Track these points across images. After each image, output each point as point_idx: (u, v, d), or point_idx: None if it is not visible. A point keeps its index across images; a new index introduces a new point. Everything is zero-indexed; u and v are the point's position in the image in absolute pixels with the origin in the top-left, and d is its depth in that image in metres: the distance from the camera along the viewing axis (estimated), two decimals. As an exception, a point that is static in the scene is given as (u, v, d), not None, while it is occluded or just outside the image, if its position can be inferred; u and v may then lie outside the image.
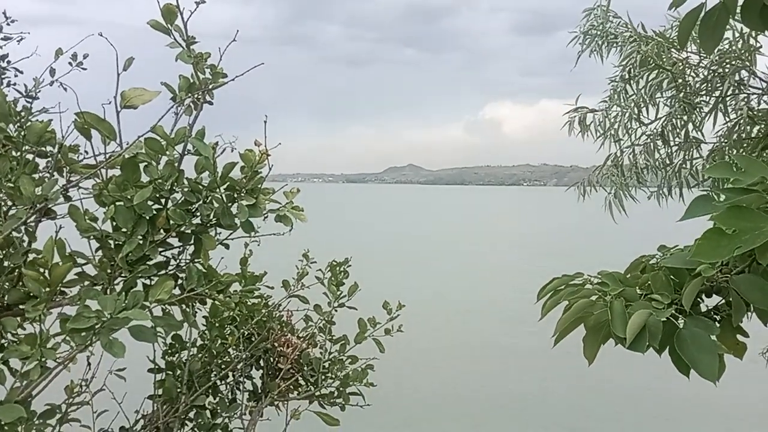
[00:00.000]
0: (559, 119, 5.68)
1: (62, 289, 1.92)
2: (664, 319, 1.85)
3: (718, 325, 1.95)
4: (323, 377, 3.11)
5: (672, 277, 2.04)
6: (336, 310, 3.22)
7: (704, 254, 1.63)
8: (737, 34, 4.87)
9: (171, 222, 1.87)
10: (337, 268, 3.20)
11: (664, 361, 1.88)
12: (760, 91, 4.86)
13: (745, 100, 4.91)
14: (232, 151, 1.92)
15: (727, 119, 4.94)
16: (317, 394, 3.10)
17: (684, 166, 5.20)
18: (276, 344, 3.09)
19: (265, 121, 1.90)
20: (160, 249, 1.92)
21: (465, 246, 48.74)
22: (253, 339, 3.00)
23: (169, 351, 2.85)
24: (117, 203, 1.85)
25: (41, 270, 1.81)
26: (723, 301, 2.05)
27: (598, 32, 5.42)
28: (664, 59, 5.09)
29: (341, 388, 3.11)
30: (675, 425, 13.64)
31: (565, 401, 14.93)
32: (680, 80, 5.03)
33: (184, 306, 2.07)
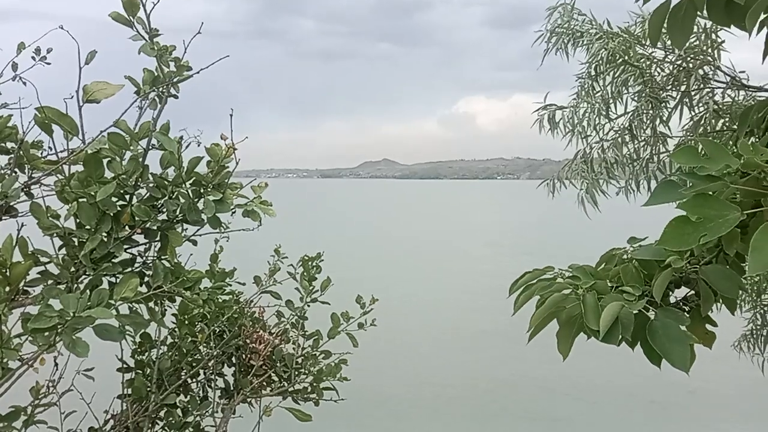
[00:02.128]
0: (531, 113, 5.71)
1: (25, 288, 1.87)
2: (636, 311, 1.87)
3: (687, 315, 1.98)
4: (296, 373, 3.09)
5: (642, 269, 2.06)
6: (309, 306, 3.20)
7: (671, 242, 1.65)
8: (701, 30, 4.95)
9: (136, 218, 1.83)
10: (309, 263, 3.17)
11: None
12: (724, 86, 4.96)
13: (710, 94, 5.00)
14: (199, 145, 1.88)
15: (693, 113, 5.02)
16: (290, 390, 3.07)
17: (651, 160, 5.27)
18: (248, 341, 3.06)
19: (231, 115, 1.87)
20: (125, 246, 1.88)
21: (438, 238, 48.94)
22: (224, 336, 2.96)
23: (139, 350, 2.81)
24: (80, 200, 1.80)
25: (1, 269, 1.76)
26: (692, 292, 2.08)
27: (564, 30, 5.46)
28: (631, 55, 5.16)
29: (315, 384, 3.09)
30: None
31: (539, 388, 15.12)
32: (647, 75, 5.10)
33: (150, 304, 2.02)
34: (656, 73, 5.16)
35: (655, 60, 5.14)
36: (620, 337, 1.79)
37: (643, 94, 5.11)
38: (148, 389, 2.63)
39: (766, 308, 5.84)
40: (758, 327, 5.88)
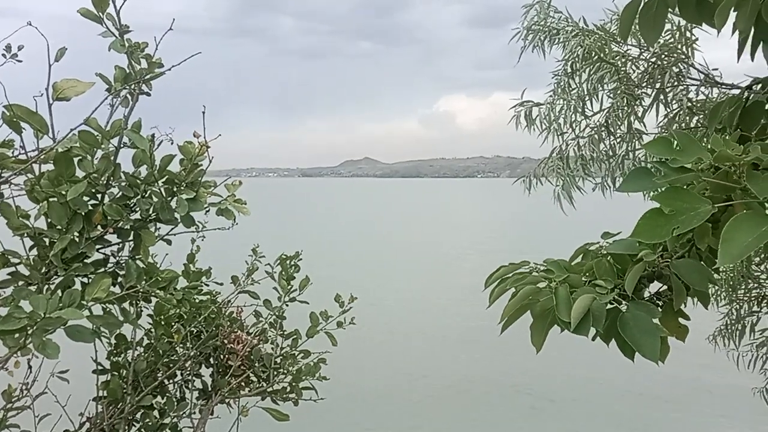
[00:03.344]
0: (508, 110, 5.73)
1: (-5, 289, 1.83)
2: (609, 305, 1.90)
3: (660, 309, 2.01)
4: (275, 373, 3.08)
5: (615, 263, 2.08)
6: (287, 305, 3.19)
7: (644, 234, 1.67)
8: (675, 28, 5.01)
9: (108, 218, 1.80)
10: (288, 262, 3.16)
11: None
12: (698, 83, 5.02)
13: (684, 91, 5.06)
14: (172, 143, 1.86)
15: (668, 110, 5.08)
16: (269, 390, 3.06)
17: (627, 157, 5.32)
18: (225, 341, 3.04)
19: (203, 112, 1.85)
20: (97, 246, 1.85)
21: (419, 237, 49.05)
22: (201, 337, 2.94)
23: (115, 351, 2.78)
24: (50, 199, 1.77)
25: (-31, 270, 1.73)
26: (665, 286, 2.11)
27: (540, 27, 5.49)
28: (607, 52, 5.20)
29: (294, 383, 3.08)
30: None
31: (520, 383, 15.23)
32: (622, 73, 5.15)
33: (124, 304, 2.00)
34: (631, 71, 5.21)
35: (631, 57, 5.19)
36: (592, 329, 1.81)
37: (619, 91, 5.16)
38: (124, 391, 2.61)
39: (741, 303, 5.94)
40: (733, 321, 5.98)
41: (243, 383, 3.08)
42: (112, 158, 1.81)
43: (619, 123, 5.24)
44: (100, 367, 2.71)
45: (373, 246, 43.84)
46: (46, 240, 1.83)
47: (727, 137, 1.99)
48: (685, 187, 1.75)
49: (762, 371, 6.01)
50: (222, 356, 3.05)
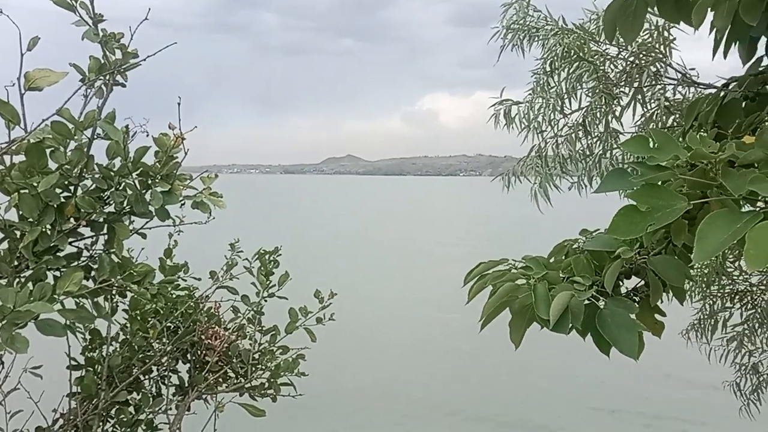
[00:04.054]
0: (488, 109, 5.75)
1: (-35, 283, 1.79)
2: (587, 301, 1.90)
3: (636, 304, 2.03)
4: (253, 369, 3.06)
5: (593, 260, 2.09)
6: (266, 301, 3.16)
7: (620, 230, 1.68)
8: (653, 27, 5.07)
9: (81, 210, 1.77)
10: (266, 257, 3.13)
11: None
12: (676, 82, 5.08)
13: (662, 91, 5.12)
14: (147, 135, 1.83)
15: (645, 110, 5.14)
16: (247, 386, 3.04)
17: (604, 156, 5.37)
18: (203, 337, 3.01)
19: (179, 104, 1.82)
20: (70, 239, 1.82)
21: (400, 234, 49.10)
22: (179, 332, 2.91)
23: (89, 347, 2.74)
24: (21, 191, 1.73)
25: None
26: (642, 282, 2.13)
27: (520, 26, 5.51)
28: (585, 51, 5.24)
29: (272, 379, 3.06)
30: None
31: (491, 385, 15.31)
32: (600, 72, 5.19)
33: (98, 299, 1.96)
34: (610, 70, 5.26)
35: (609, 57, 5.24)
36: (570, 326, 1.82)
37: (597, 90, 5.21)
38: (98, 387, 2.57)
39: (714, 299, 6.03)
40: (705, 317, 6.08)
41: (220, 379, 3.05)
42: (85, 150, 1.78)
43: (597, 122, 5.29)
44: (74, 363, 2.67)
45: (354, 242, 43.81)
46: (17, 232, 1.79)
47: (704, 134, 2.01)
48: (661, 184, 1.76)
49: (732, 365, 6.13)
50: (199, 352, 3.02)
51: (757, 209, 1.53)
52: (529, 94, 5.61)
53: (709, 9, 2.20)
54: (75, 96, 1.87)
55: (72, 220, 1.81)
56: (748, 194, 1.58)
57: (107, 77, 1.79)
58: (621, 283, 2.10)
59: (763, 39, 2.54)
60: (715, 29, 2.47)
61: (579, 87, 5.32)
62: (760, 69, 2.61)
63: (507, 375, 15.65)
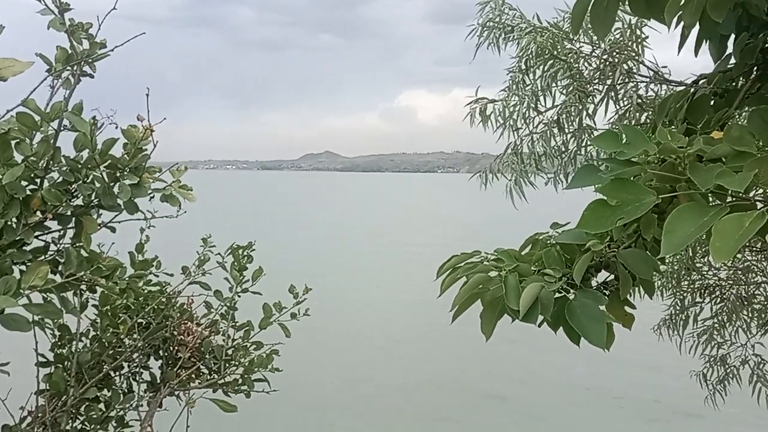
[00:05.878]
0: (464, 107, 5.78)
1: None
2: (558, 294, 1.93)
3: (607, 298, 2.05)
4: (226, 364, 3.04)
5: (564, 253, 2.12)
6: (239, 296, 3.14)
7: (589, 224, 1.70)
8: (626, 26, 5.13)
9: (47, 203, 1.73)
10: (240, 252, 3.11)
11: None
12: (648, 80, 5.15)
13: (634, 88, 5.18)
14: (116, 127, 1.80)
15: (618, 107, 5.20)
16: (220, 381, 3.02)
17: (579, 152, 5.43)
18: (175, 332, 2.98)
19: (147, 95, 1.79)
20: (36, 233, 1.78)
21: (377, 230, 49.13)
22: (150, 328, 2.88)
23: (58, 343, 2.70)
24: (-15, 183, 1.69)
25: None
26: (612, 276, 2.15)
27: (495, 24, 5.54)
28: (559, 49, 5.28)
29: (246, 375, 3.05)
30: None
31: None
32: (574, 69, 5.24)
33: (67, 294, 1.93)
34: (584, 68, 5.31)
35: (583, 55, 5.29)
36: (541, 318, 1.84)
37: (571, 88, 5.26)
38: (67, 383, 2.53)
39: (684, 294, 6.14)
40: (677, 312, 6.18)
41: (193, 375, 3.03)
42: (51, 141, 1.74)
43: (572, 119, 5.34)
44: (42, 359, 2.63)
45: (331, 238, 43.73)
46: (-19, 226, 1.75)
47: (674, 130, 2.03)
48: (631, 179, 1.78)
49: (702, 356, 6.26)
50: (171, 348, 3.00)
51: (724, 203, 1.56)
52: (505, 92, 5.65)
53: (680, 5, 2.23)
54: (41, 87, 1.83)
55: (38, 213, 1.77)
56: (716, 188, 1.61)
57: (74, 68, 1.76)
58: (591, 276, 2.13)
59: (733, 37, 2.59)
60: (682, 26, 2.50)
61: (554, 85, 5.36)
62: (729, 66, 2.66)
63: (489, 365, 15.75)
